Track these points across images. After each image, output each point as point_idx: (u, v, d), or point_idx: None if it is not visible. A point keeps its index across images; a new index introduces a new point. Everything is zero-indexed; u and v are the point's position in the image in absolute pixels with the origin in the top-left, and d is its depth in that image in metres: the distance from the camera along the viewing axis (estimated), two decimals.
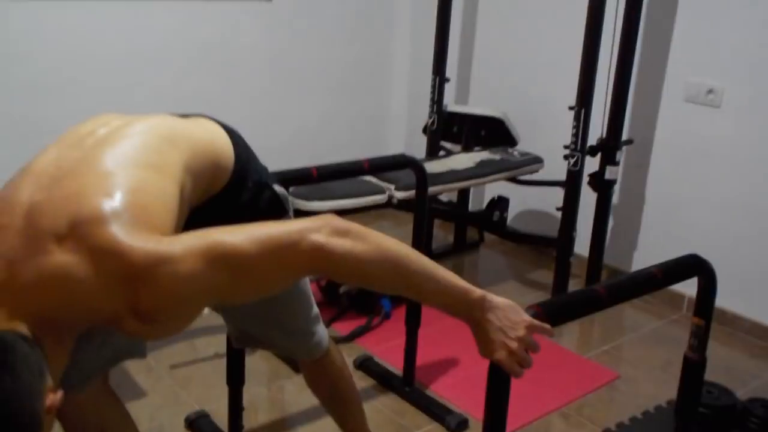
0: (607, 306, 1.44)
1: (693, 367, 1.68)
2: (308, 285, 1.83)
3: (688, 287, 3.16)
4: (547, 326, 1.30)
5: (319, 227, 1.18)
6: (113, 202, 1.13)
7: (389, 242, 1.23)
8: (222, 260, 1.11)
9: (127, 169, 1.22)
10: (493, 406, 1.27)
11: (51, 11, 3.12)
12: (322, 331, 1.88)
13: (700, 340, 1.66)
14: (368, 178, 3.07)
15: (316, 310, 1.85)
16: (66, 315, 1.11)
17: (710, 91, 3.09)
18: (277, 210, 1.61)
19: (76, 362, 1.24)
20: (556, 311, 1.34)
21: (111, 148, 1.26)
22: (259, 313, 1.74)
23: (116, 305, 1.08)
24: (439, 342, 2.88)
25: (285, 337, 1.84)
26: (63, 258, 1.08)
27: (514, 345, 1.25)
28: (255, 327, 1.83)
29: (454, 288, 1.27)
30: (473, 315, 1.28)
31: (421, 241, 2.49)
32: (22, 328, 1.07)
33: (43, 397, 1.05)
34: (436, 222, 4.01)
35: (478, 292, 1.28)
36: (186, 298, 1.11)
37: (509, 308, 1.28)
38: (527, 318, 1.28)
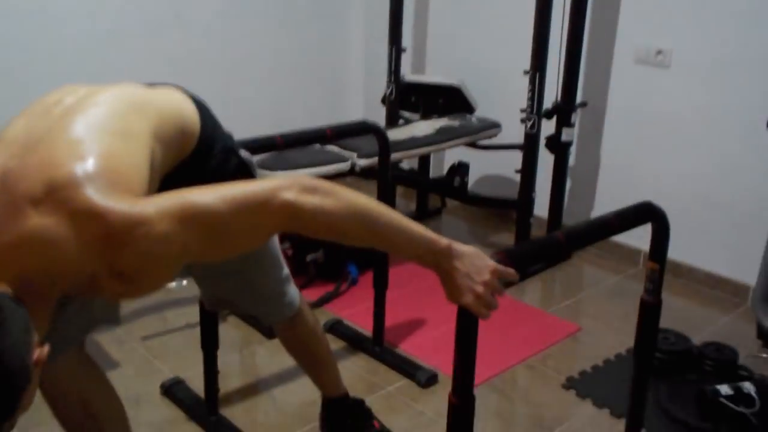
0: (567, 251, 1.52)
1: (649, 310, 1.76)
2: (278, 246, 1.88)
3: (644, 242, 3.30)
4: (511, 270, 1.36)
5: (289, 185, 1.23)
6: (87, 166, 1.16)
7: (358, 197, 1.29)
8: (195, 220, 1.15)
9: (98, 135, 1.25)
10: (462, 350, 1.33)
11: None
12: (293, 292, 1.93)
13: (654, 283, 1.74)
14: (330, 147, 3.12)
15: (286, 270, 1.90)
16: (45, 277, 1.14)
17: (659, 52, 3.19)
18: (244, 175, 1.65)
19: (55, 328, 1.28)
20: (519, 256, 1.40)
21: (80, 115, 1.29)
22: (231, 275, 1.79)
23: (94, 266, 1.12)
24: (407, 304, 2.96)
25: (257, 299, 1.89)
26: (41, 221, 1.11)
27: (480, 289, 1.31)
28: (227, 290, 1.87)
29: (422, 238, 1.34)
30: (441, 264, 1.34)
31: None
32: (5, 289, 1.10)
33: (32, 350, 1.09)
34: (399, 190, 4.07)
35: (444, 241, 1.34)
36: (162, 257, 1.15)
37: (474, 255, 1.35)
38: (492, 263, 1.34)
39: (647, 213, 1.69)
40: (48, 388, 1.71)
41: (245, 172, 1.66)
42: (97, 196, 1.12)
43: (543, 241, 1.53)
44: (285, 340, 2.06)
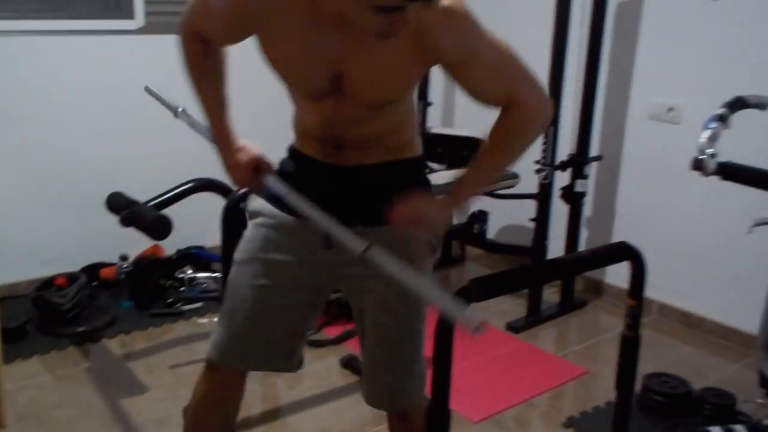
0: (543, 282, 1.66)
1: (629, 344, 1.89)
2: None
3: (657, 292, 3.41)
4: None
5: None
6: None
7: None
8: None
9: None
10: (439, 354, 1.48)
11: None
12: (425, 372, 1.79)
13: (633, 319, 1.88)
14: None
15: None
16: None
17: (671, 109, 3.34)
18: None
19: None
20: (491, 285, 1.55)
21: None
22: (401, 354, 1.73)
23: None
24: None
25: (408, 379, 1.77)
26: None
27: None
28: (389, 373, 1.77)
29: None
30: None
31: None
32: None
33: None
34: None
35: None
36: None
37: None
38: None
39: (623, 252, 1.83)
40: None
41: None
42: None
43: (520, 271, 1.68)
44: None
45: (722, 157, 1.84)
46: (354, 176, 1.64)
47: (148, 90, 2.28)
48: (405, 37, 1.39)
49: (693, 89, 3.26)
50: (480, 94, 1.55)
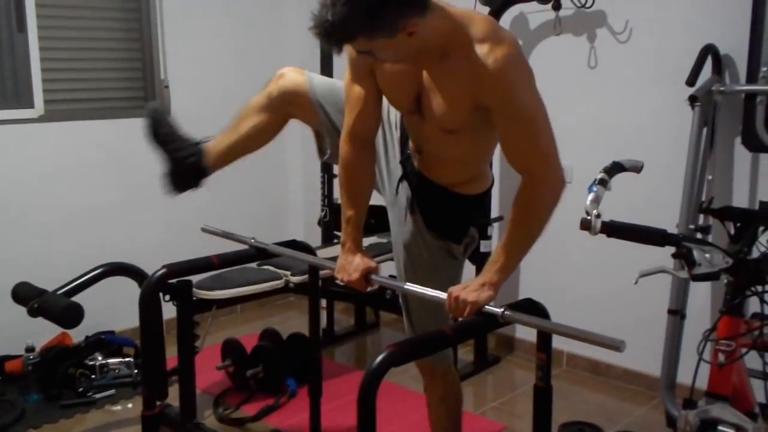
0: (456, 343, 1.73)
1: (541, 394, 1.98)
2: None
3: (566, 344, 3.55)
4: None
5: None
6: None
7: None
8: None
9: None
10: (362, 418, 1.52)
11: None
12: None
13: (543, 371, 1.97)
14: (266, 266, 3.34)
15: None
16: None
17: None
18: None
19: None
20: (410, 347, 1.62)
21: None
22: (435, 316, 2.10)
23: None
24: (345, 414, 3.11)
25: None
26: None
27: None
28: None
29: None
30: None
31: (317, 320, 2.71)
32: None
33: None
34: (338, 306, 4.29)
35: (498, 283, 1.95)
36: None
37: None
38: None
39: (529, 308, 1.94)
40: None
41: None
42: None
43: (433, 335, 1.76)
44: (436, 397, 2.28)
45: (606, 216, 2.00)
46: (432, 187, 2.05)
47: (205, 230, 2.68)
48: (465, 72, 1.70)
49: (579, 150, 3.48)
50: (507, 149, 1.82)
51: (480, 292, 1.86)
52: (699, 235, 2.82)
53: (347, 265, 2.10)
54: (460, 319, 1.83)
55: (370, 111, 1.98)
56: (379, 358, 1.57)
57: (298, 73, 2.21)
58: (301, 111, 2.23)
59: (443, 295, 1.86)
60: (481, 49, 1.67)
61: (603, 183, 2.01)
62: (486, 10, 3.40)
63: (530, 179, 1.82)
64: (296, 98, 2.19)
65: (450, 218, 2.14)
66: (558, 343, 3.44)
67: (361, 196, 2.10)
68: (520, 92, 1.72)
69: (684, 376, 2.94)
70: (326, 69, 3.93)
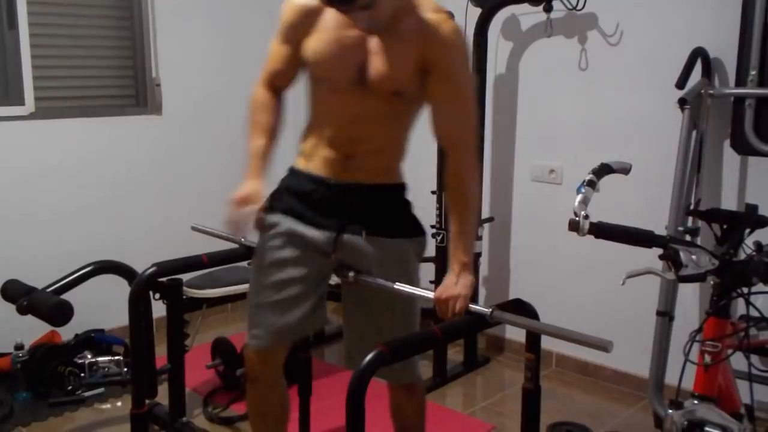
0: (445, 343, 1.74)
1: (530, 395, 1.99)
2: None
3: (555, 345, 3.56)
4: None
5: None
6: None
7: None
8: None
9: None
10: (351, 419, 1.53)
11: None
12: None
13: (532, 371, 1.98)
14: None
15: None
16: None
17: (552, 171, 3.56)
18: None
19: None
20: (399, 347, 1.63)
21: None
22: (395, 313, 2.13)
23: None
24: (331, 414, 3.11)
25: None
26: None
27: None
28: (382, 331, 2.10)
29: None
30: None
31: None
32: None
33: None
34: (330, 305, 4.27)
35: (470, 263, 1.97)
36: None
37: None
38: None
39: (518, 308, 1.95)
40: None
41: None
42: None
43: (422, 335, 1.76)
44: (400, 408, 2.30)
45: (594, 218, 2.01)
46: (351, 192, 2.03)
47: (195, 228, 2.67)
48: (415, 32, 1.85)
49: (569, 152, 3.50)
50: (439, 114, 1.94)
51: (460, 281, 1.94)
52: (688, 237, 2.84)
53: (239, 189, 2.06)
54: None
55: (285, 71, 2.09)
56: (368, 358, 1.58)
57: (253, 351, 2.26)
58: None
59: (430, 294, 1.91)
60: (435, 16, 1.86)
61: (591, 184, 2.03)
62: (477, 11, 3.42)
63: (458, 145, 1.96)
64: (274, 356, 2.30)
65: (392, 210, 2.14)
66: (547, 343, 3.47)
67: (270, 130, 2.13)
68: (463, 60, 1.93)
69: (673, 378, 2.95)
70: None
